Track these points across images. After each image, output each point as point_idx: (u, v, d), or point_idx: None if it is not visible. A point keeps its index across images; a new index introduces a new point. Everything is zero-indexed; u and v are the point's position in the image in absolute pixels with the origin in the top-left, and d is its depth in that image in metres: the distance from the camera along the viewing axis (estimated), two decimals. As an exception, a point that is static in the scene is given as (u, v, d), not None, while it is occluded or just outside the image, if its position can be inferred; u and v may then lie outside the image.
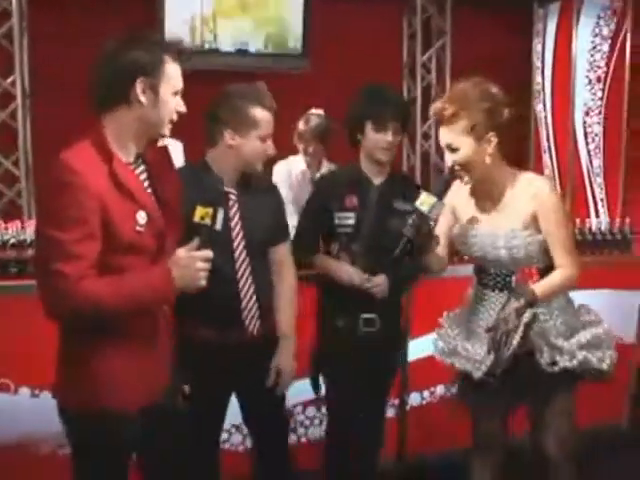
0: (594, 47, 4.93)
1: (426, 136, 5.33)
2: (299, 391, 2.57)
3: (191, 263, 1.70)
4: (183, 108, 1.76)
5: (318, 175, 3.62)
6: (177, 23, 4.42)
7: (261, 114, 2.20)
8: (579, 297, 2.35)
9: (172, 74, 1.71)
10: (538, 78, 5.23)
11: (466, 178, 2.15)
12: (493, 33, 5.14)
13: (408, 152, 5.31)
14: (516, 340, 2.05)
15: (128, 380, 1.72)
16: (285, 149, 3.66)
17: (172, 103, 1.72)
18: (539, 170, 4.96)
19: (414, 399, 3.18)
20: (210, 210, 1.76)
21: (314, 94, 4.37)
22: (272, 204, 2.38)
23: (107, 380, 1.71)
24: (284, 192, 3.59)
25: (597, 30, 4.90)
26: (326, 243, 2.59)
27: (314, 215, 2.59)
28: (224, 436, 2.81)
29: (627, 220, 3.53)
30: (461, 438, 2.48)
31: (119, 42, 1.69)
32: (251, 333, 2.25)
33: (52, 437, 2.55)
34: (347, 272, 2.45)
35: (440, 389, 3.20)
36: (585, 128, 5.01)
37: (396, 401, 3.09)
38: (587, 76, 4.95)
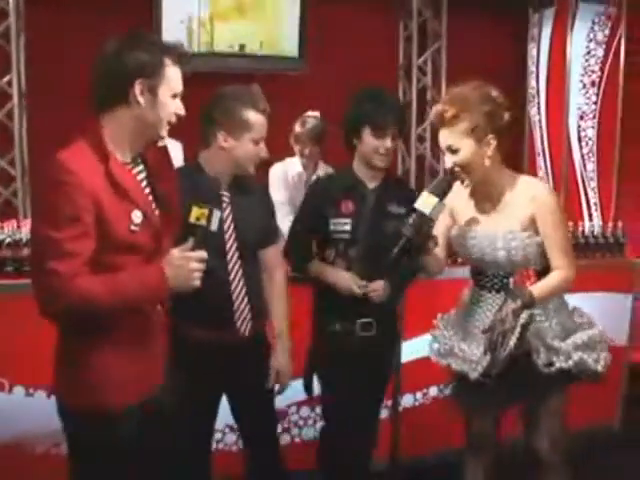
0: (588, 52, 4.96)
1: (421, 139, 5.35)
2: (293, 391, 2.58)
3: (185, 263, 1.71)
4: (183, 111, 1.76)
5: (315, 177, 3.64)
6: (174, 25, 4.43)
7: (255, 117, 2.20)
8: (572, 300, 2.36)
9: (172, 77, 1.72)
10: (533, 82, 5.25)
11: (466, 181, 2.16)
12: (488, 37, 5.16)
13: (403, 155, 5.33)
14: (512, 341, 2.06)
15: (124, 378, 1.73)
16: (281, 151, 3.69)
17: (171, 105, 1.73)
18: (533, 174, 4.98)
19: (407, 401, 3.19)
20: (206, 211, 1.76)
21: (311, 96, 4.38)
22: (263, 206, 2.40)
23: (103, 378, 1.72)
24: (280, 194, 3.64)
25: (591, 35, 4.93)
26: (321, 249, 2.57)
27: (308, 222, 2.56)
28: (218, 436, 2.83)
29: (619, 224, 3.57)
30: (454, 439, 2.50)
31: (120, 42, 1.70)
32: (243, 334, 2.27)
33: (46, 436, 2.56)
34: (345, 281, 2.43)
35: (433, 391, 3.22)
36: (579, 132, 5.03)
37: (389, 403, 3.10)
38: (581, 81, 4.98)
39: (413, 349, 3.02)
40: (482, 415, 2.33)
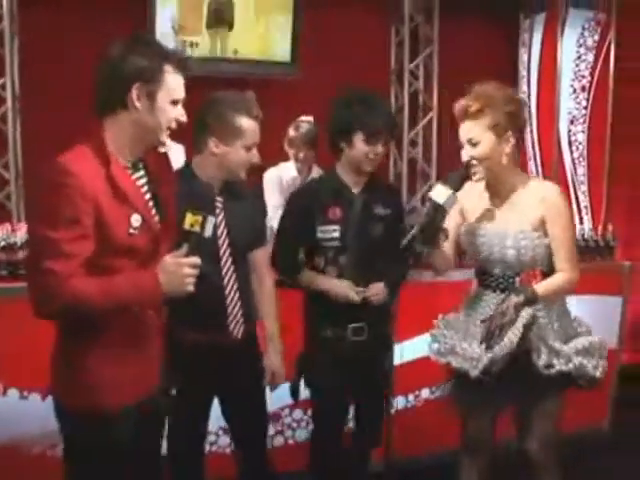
0: (579, 57, 5.00)
1: (413, 143, 5.37)
2: (287, 394, 2.59)
3: (178, 269, 1.72)
4: (184, 118, 1.77)
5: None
6: (168, 28, 4.43)
7: (247, 123, 2.19)
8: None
9: (171, 83, 1.72)
10: (524, 87, 5.28)
11: (478, 174, 2.18)
12: (480, 42, 5.19)
13: (395, 158, 5.35)
14: (509, 338, 2.07)
15: (121, 379, 1.75)
16: (275, 156, 3.71)
17: (170, 111, 1.73)
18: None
19: (399, 402, 3.21)
20: (200, 218, 1.77)
21: (304, 101, 4.40)
22: (255, 210, 2.41)
23: (100, 379, 1.73)
24: (275, 198, 3.66)
25: (582, 40, 4.97)
26: (309, 257, 2.53)
27: (293, 230, 2.51)
28: (212, 438, 2.84)
29: (610, 227, 3.60)
30: (448, 440, 2.51)
31: (123, 45, 1.70)
32: (236, 336, 2.29)
33: (41, 438, 2.57)
34: (342, 289, 2.42)
35: (425, 392, 3.24)
36: (570, 136, 5.06)
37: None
38: (572, 85, 5.02)
39: (406, 351, 3.03)
40: (479, 415, 2.33)
